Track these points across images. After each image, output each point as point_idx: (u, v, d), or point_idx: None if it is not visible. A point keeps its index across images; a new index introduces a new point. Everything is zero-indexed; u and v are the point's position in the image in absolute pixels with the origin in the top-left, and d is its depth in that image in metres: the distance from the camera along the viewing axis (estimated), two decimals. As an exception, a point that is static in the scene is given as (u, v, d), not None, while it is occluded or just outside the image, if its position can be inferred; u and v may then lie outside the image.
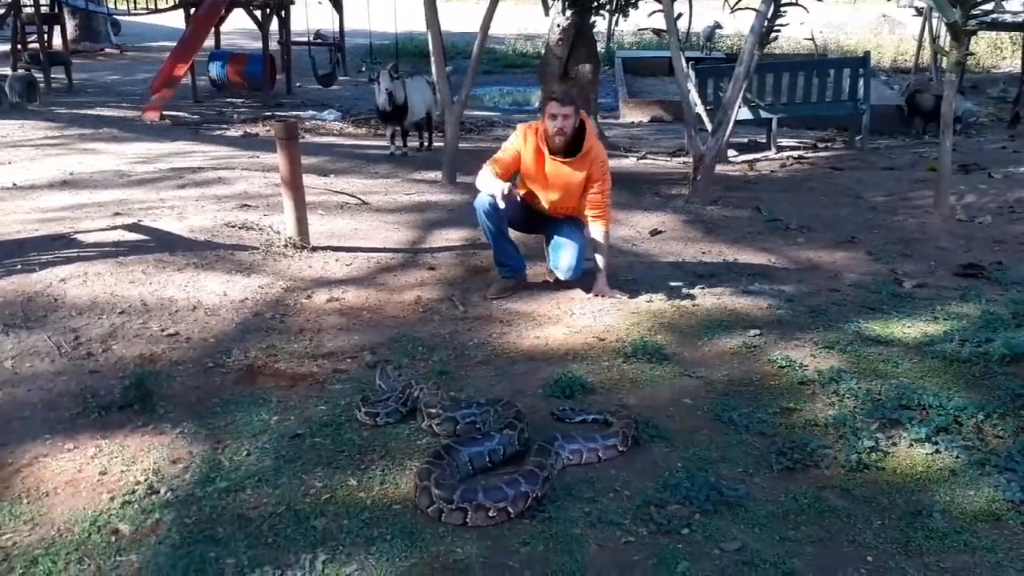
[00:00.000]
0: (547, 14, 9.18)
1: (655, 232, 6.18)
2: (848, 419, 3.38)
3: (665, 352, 4.04)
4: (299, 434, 3.29)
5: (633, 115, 14.21)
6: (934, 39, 16.77)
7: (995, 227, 6.49)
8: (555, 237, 4.88)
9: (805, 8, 9.68)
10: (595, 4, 9.37)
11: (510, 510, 2.77)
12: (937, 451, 3.15)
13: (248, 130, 10.47)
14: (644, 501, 2.86)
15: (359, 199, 6.82)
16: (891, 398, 3.53)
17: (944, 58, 7.16)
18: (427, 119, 9.54)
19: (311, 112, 12.15)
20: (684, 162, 9.26)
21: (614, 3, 9.75)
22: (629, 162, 9.36)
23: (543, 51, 10.94)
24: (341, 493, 2.91)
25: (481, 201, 4.74)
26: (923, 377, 3.76)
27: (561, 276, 4.84)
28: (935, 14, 17.71)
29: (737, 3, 9.95)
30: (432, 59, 7.70)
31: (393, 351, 4.10)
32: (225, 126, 10.78)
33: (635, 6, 9.98)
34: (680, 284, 5.04)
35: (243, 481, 2.97)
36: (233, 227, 5.73)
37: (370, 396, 3.50)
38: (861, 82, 10.24)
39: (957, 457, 3.11)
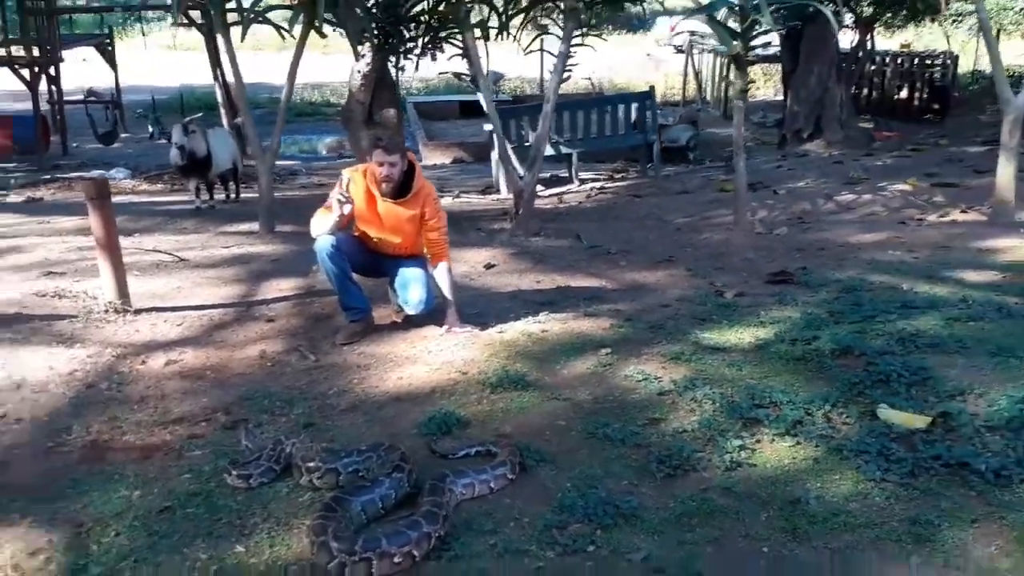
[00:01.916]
0: (357, 59, 9.16)
1: (489, 266, 6.28)
2: (712, 423, 3.57)
3: (528, 379, 4.10)
4: (167, 507, 3.06)
5: (434, 157, 14.42)
6: (696, 73, 18.20)
7: (790, 237, 7.10)
8: (400, 273, 4.85)
9: (594, 48, 10.24)
10: (403, 49, 9.46)
11: (415, 553, 2.71)
12: (798, 443, 3.38)
13: (31, 195, 9.70)
14: (545, 525, 2.88)
15: (175, 256, 6.47)
16: (744, 399, 3.76)
17: (711, 88, 7.76)
18: (233, 170, 9.23)
19: (98, 172, 11.44)
20: (496, 199, 9.53)
21: (420, 48, 9.84)
22: (446, 201, 9.45)
23: (345, 98, 10.85)
24: (230, 562, 2.74)
25: (322, 245, 4.64)
26: (766, 377, 4.03)
27: (412, 311, 4.81)
28: (696, 50, 19.29)
29: (528, 45, 10.35)
30: (240, 109, 7.48)
31: (249, 409, 3.91)
32: (3, 192, 9.92)
33: (441, 50, 10.09)
34: (525, 313, 5.14)
35: (118, 564, 2.72)
36: (44, 296, 5.27)
37: (239, 458, 3.31)
38: (648, 114, 10.96)
39: (816, 446, 3.35)
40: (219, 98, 12.49)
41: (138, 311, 5.11)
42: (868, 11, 14.29)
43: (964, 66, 19.21)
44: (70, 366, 4.28)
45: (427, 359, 4.45)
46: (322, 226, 4.63)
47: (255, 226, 7.81)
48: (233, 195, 9.55)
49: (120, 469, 3.35)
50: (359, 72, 10.09)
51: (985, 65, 17.23)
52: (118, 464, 3.39)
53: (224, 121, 11.77)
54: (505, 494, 3.11)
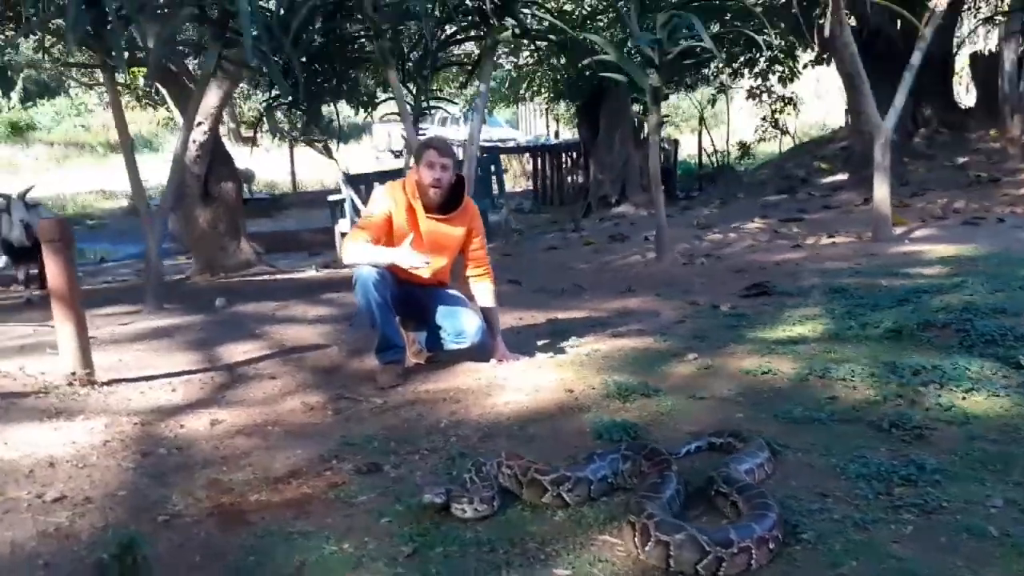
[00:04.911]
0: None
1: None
2: (889, 393, 3.44)
3: (649, 386, 3.74)
4: (414, 552, 2.38)
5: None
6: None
7: (717, 264, 7.28)
8: (441, 306, 4.31)
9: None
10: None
11: (779, 536, 2.30)
12: (988, 395, 3.34)
13: None
14: (872, 494, 2.58)
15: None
16: (889, 371, 3.68)
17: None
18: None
19: None
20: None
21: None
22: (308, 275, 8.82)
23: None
24: (571, 587, 2.16)
25: (367, 273, 4.02)
26: (880, 355, 3.96)
27: (465, 344, 4.27)
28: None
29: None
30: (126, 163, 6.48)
31: (364, 453, 3.21)
32: None
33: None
34: (552, 340, 4.79)
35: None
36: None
37: (451, 490, 2.66)
38: (494, 179, 10.98)
39: (1008, 396, 3.32)
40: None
41: (107, 383, 4.12)
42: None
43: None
44: (97, 437, 3.31)
45: (510, 386, 3.93)
46: (368, 255, 4.02)
47: (123, 307, 6.70)
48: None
49: (287, 527, 2.58)
50: (194, 141, 9.22)
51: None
52: (275, 523, 2.61)
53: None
54: (781, 477, 2.76)
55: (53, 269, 3.97)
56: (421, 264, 3.94)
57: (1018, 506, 2.46)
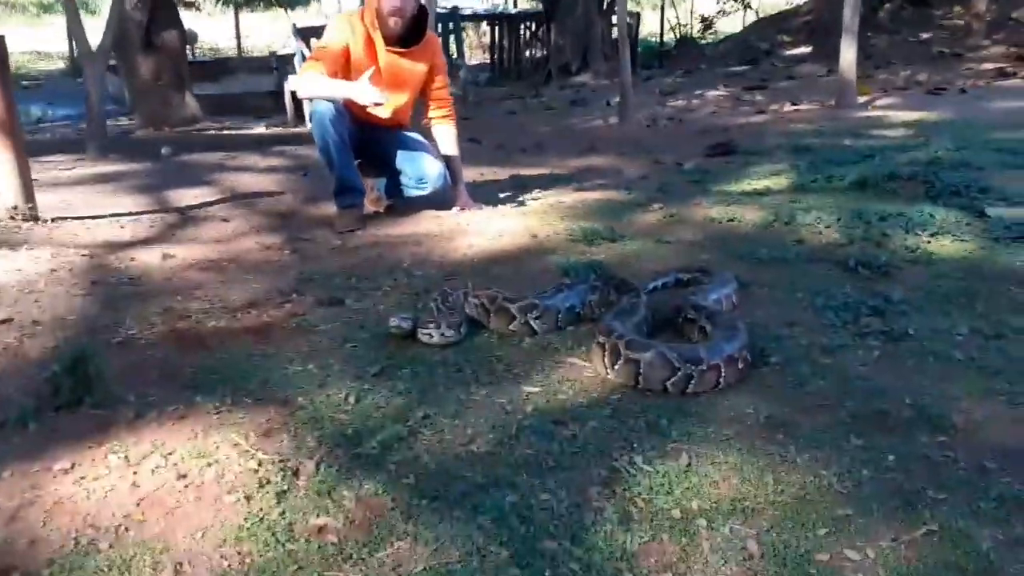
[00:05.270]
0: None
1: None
2: (855, 236, 3.45)
3: (615, 232, 3.69)
4: (381, 371, 2.34)
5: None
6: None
7: (680, 127, 7.17)
8: (402, 151, 4.14)
9: None
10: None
11: (748, 358, 2.29)
12: (955, 239, 3.38)
13: None
14: (841, 323, 2.60)
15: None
16: (855, 218, 3.66)
17: None
18: None
19: None
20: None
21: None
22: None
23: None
24: (541, 402, 2.14)
25: (324, 109, 3.83)
26: (845, 204, 3.95)
27: (426, 190, 4.14)
28: None
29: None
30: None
31: (327, 287, 3.12)
32: None
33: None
34: (515, 193, 4.69)
35: (404, 423, 2.01)
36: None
37: (429, 317, 2.61)
38: (452, 38, 10.58)
39: (971, 240, 3.36)
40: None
41: (54, 219, 3.95)
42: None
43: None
44: (43, 266, 3.17)
45: (473, 231, 3.84)
46: (324, 88, 3.81)
47: (65, 156, 6.41)
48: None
49: (248, 350, 2.51)
50: (137, -12, 8.73)
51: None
52: (235, 346, 2.54)
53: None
54: (749, 308, 2.76)
55: (-12, 95, 3.73)
56: (380, 99, 3.75)
57: (982, 334, 2.48)
